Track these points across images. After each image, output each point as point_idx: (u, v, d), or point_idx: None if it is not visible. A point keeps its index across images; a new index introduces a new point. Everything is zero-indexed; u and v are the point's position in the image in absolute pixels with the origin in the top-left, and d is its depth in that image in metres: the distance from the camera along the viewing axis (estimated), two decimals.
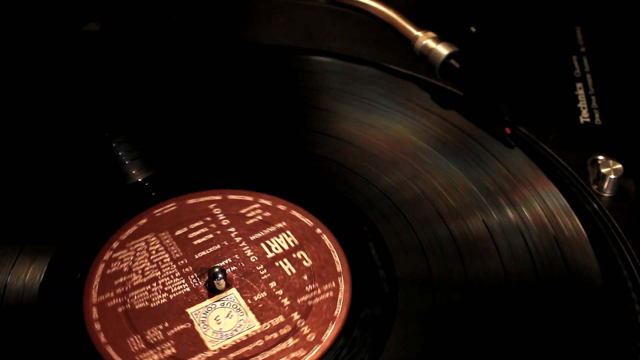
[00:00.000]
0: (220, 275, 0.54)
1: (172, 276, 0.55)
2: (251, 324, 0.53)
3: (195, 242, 0.57)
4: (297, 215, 0.59)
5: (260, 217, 0.59)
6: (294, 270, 0.56)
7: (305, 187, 0.60)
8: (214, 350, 0.51)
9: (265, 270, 0.56)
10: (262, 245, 0.57)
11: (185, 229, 0.58)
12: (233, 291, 0.54)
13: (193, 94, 0.68)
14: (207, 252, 0.57)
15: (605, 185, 0.61)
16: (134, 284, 0.55)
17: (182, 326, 0.53)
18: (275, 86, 0.68)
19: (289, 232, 0.58)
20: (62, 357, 0.51)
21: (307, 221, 0.58)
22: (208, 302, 0.54)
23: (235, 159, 0.63)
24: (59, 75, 0.69)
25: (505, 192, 0.59)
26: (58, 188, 0.60)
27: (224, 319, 0.53)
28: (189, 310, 0.53)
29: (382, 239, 0.57)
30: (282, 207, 0.59)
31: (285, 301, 0.54)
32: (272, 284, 0.55)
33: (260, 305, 0.54)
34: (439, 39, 0.66)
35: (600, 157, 0.63)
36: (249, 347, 0.52)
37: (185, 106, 0.67)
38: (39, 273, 0.55)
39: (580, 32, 0.75)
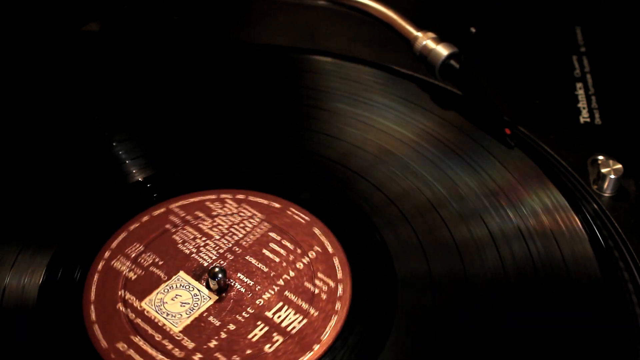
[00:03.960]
0: (220, 275, 0.54)
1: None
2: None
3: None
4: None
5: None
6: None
7: (304, 186, 0.60)
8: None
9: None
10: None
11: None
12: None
13: (193, 94, 0.68)
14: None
15: (605, 185, 0.61)
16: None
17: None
18: (275, 86, 0.68)
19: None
20: (62, 357, 0.51)
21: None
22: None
23: (234, 159, 0.63)
24: (59, 75, 0.69)
25: (505, 192, 0.59)
26: (58, 188, 0.60)
27: None
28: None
29: (382, 239, 0.57)
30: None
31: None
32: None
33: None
34: (439, 39, 0.66)
35: (600, 157, 0.63)
36: None
37: (185, 106, 0.67)
38: (38, 273, 0.55)
39: (580, 32, 0.75)
